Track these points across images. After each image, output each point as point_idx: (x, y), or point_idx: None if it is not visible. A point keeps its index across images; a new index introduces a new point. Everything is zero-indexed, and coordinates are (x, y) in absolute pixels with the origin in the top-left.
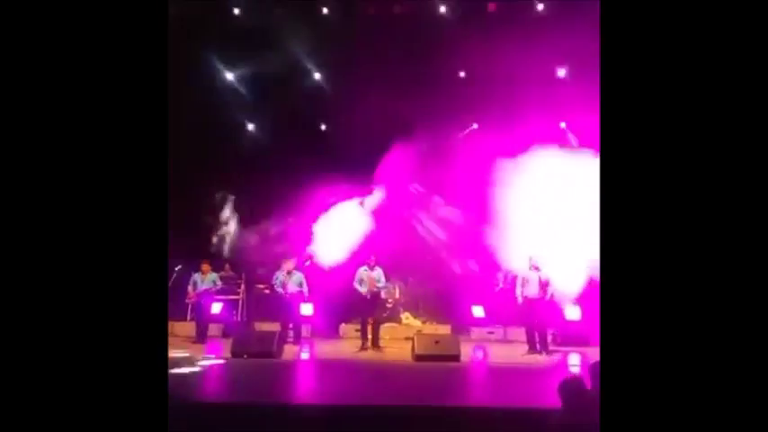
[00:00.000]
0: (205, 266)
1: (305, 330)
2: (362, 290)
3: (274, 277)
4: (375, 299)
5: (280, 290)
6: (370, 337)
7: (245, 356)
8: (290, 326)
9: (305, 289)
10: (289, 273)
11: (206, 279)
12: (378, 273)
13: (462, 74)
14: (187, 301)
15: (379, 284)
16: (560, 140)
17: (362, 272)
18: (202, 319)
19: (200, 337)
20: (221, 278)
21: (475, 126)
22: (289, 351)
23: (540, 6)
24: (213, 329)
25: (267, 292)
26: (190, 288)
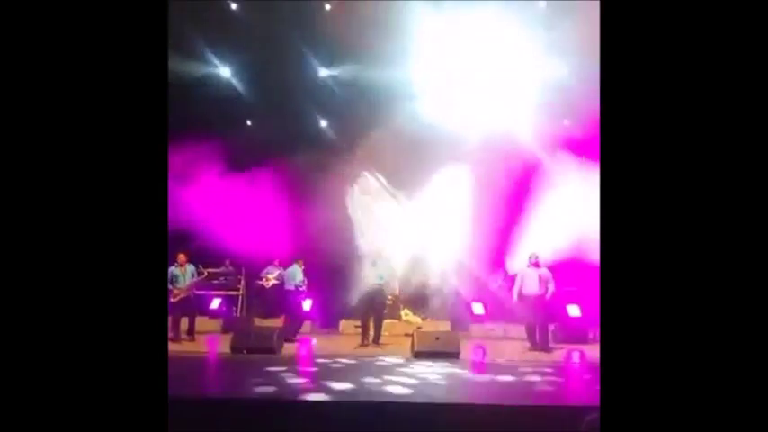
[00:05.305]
0: (182, 258)
1: (305, 325)
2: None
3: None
4: (376, 295)
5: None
6: (371, 333)
7: (245, 352)
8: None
9: (298, 283)
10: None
11: (186, 272)
12: (380, 269)
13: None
14: (173, 299)
15: (381, 281)
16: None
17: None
18: (182, 315)
19: (188, 333)
20: (218, 274)
21: None
22: (288, 347)
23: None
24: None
25: (267, 286)
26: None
